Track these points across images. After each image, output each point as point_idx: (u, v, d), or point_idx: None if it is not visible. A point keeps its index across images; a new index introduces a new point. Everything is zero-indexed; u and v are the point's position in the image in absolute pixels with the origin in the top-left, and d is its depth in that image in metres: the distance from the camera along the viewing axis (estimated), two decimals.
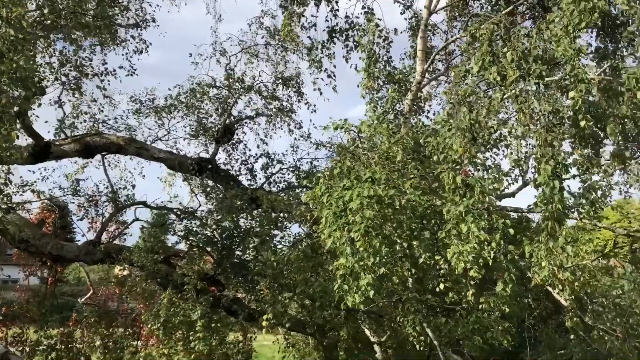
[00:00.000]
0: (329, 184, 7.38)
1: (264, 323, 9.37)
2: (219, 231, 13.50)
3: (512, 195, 12.60)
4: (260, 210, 12.09)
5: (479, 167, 6.85)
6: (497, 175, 6.92)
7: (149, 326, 11.98)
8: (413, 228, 7.24)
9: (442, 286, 8.38)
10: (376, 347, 17.58)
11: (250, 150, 15.38)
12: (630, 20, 7.38)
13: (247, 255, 13.89)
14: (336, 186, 7.26)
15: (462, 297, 8.49)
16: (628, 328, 8.54)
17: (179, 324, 12.00)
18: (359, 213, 6.58)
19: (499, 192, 12.61)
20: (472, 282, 7.40)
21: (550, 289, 7.55)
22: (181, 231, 13.91)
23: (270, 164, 14.60)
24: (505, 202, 12.60)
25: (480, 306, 8.28)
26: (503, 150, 10.97)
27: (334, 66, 11.31)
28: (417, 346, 8.78)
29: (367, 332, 17.37)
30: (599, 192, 9.77)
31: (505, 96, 7.38)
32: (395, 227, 7.37)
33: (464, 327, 8.79)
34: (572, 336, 9.68)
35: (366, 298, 6.65)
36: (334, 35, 11.22)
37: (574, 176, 7.92)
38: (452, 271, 7.00)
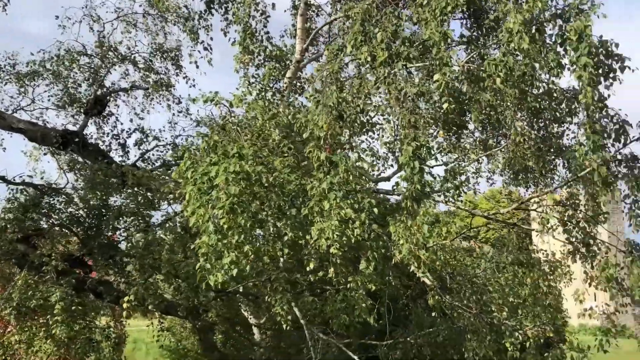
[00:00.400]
0: (195, 159, 7.05)
1: (124, 305, 8.86)
2: (85, 209, 12.66)
3: (388, 179, 12.97)
4: (130, 188, 11.43)
5: (345, 146, 6.85)
6: (361, 154, 6.95)
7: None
8: (281, 206, 7.12)
9: (312, 265, 8.39)
10: (255, 330, 17.52)
11: (122, 124, 14.53)
12: (493, 9, 7.71)
13: (119, 236, 13.19)
14: (202, 161, 6.96)
15: (333, 276, 8.58)
16: (482, 305, 9.08)
17: (35, 308, 11.10)
18: (223, 189, 6.34)
19: (374, 175, 12.94)
20: (337, 261, 7.46)
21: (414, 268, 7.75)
22: (43, 209, 12.86)
23: (144, 139, 13.88)
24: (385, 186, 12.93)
25: (348, 285, 8.39)
26: (379, 134, 11.25)
27: (211, 39, 10.91)
28: (284, 326, 8.73)
29: (246, 314, 17.26)
30: (463, 177, 10.28)
31: (378, 78, 7.46)
32: (264, 205, 7.22)
33: (332, 306, 8.86)
34: (434, 314, 10.11)
35: (230, 277, 6.42)
36: (211, 6, 10.78)
37: (436, 159, 8.17)
38: (319, 249, 6.97)
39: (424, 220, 6.54)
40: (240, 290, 14.39)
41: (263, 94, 9.81)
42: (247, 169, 6.50)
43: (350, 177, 6.55)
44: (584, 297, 9.13)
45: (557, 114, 10.85)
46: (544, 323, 8.22)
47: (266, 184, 6.80)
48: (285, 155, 7.95)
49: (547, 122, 10.86)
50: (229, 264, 6.21)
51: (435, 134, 8.98)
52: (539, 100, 10.07)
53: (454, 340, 13.18)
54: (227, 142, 7.09)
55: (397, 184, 6.78)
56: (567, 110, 10.74)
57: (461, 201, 10.85)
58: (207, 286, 6.45)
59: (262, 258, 8.58)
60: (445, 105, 6.64)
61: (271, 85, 10.31)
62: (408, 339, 14.48)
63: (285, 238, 7.12)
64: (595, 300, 12.12)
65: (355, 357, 8.90)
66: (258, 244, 7.73)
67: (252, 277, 9.16)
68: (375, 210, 7.18)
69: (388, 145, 9.80)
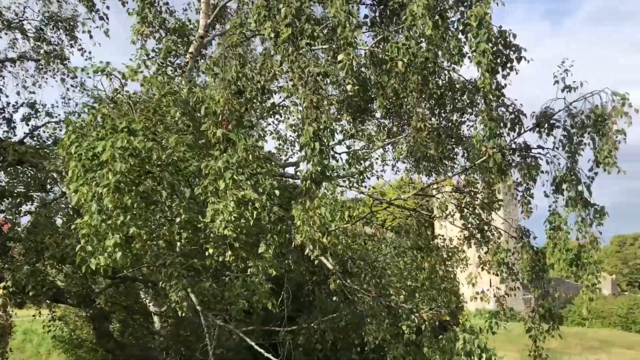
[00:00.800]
0: (80, 134, 6.48)
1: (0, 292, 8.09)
2: None
3: (296, 164, 12.80)
4: (11, 165, 10.46)
5: (245, 123, 6.55)
6: (263, 135, 6.68)
7: None
8: (175, 185, 6.70)
9: (211, 250, 8.04)
10: (155, 318, 16.85)
11: (8, 97, 13.32)
12: None
13: (5, 218, 12.14)
14: (88, 136, 6.41)
15: (230, 260, 8.32)
16: (380, 288, 9.15)
17: None
18: (109, 166, 5.86)
19: (282, 160, 12.71)
20: (237, 244, 7.18)
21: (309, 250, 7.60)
22: None
23: (34, 115, 12.80)
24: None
25: (249, 270, 8.13)
26: (285, 116, 11.02)
27: (107, 7, 10.17)
28: (180, 312, 8.33)
29: (146, 301, 16.54)
30: (367, 162, 10.28)
31: (283, 57, 7.20)
32: (160, 185, 6.79)
33: (231, 292, 8.57)
34: (335, 298, 10.08)
35: (114, 261, 5.95)
36: None
37: (340, 143, 8.06)
38: (217, 231, 6.63)
39: (323, 202, 6.40)
40: (139, 276, 13.76)
41: (163, 69, 9.26)
42: (136, 144, 6.04)
43: (250, 157, 6.26)
44: (476, 281, 9.44)
45: (459, 104, 11.13)
46: (439, 306, 8.40)
47: (158, 162, 6.37)
48: (184, 133, 7.53)
49: (449, 112, 11.13)
50: (112, 247, 5.75)
51: (339, 117, 8.87)
52: (442, 90, 10.27)
53: (355, 324, 13.29)
54: (116, 116, 6.57)
55: (297, 165, 6.57)
56: (468, 101, 11.04)
57: (365, 187, 10.90)
58: (88, 270, 5.93)
59: (158, 242, 8.14)
60: (349, 87, 6.51)
61: (172, 60, 9.76)
62: (312, 324, 14.51)
63: (178, 220, 6.71)
64: (490, 286, 12.65)
65: (253, 343, 8.67)
66: (151, 226, 7.30)
67: (147, 262, 8.66)
68: (277, 192, 6.97)
69: (294, 127, 9.60)
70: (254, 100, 6.79)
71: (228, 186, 5.95)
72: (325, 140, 6.57)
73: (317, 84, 6.60)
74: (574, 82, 8.16)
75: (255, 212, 6.44)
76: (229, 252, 6.76)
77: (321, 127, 6.44)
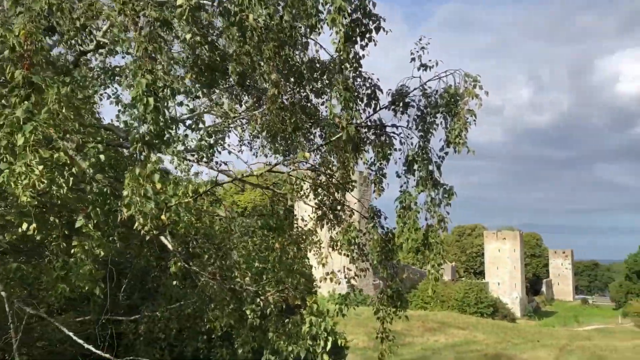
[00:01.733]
0: None
1: None
2: None
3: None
4: None
5: (60, 67, 5.42)
6: (79, 81, 5.60)
7: None
8: None
9: (25, 224, 6.74)
10: None
11: None
12: None
13: None
14: None
15: (52, 239, 7.11)
16: (225, 270, 8.45)
17: None
18: None
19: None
20: (51, 217, 6.04)
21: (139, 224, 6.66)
22: None
23: None
24: None
25: (72, 250, 6.97)
26: (125, 76, 9.81)
27: None
28: None
29: None
30: (219, 135, 9.48)
31: None
32: None
33: (49, 275, 7.30)
34: (175, 282, 9.20)
35: None
36: None
37: (182, 105, 7.19)
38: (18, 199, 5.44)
39: (156, 168, 5.52)
40: None
41: None
42: None
43: (64, 110, 5.16)
44: (327, 261, 9.14)
45: (318, 84, 10.76)
46: (287, 288, 7.91)
47: None
48: None
49: (306, 89, 10.69)
50: None
51: (181, 75, 7.95)
52: (301, 66, 9.82)
53: (202, 311, 12.47)
54: None
55: (125, 123, 5.62)
56: (327, 81, 10.69)
57: (217, 162, 10.11)
58: None
59: None
60: (188, 37, 5.67)
61: None
62: (156, 312, 13.43)
63: None
64: (342, 271, 12.52)
65: (71, 334, 7.50)
66: None
67: None
68: (102, 157, 5.96)
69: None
70: (73, 42, 5.68)
71: (28, 142, 4.78)
72: (163, 99, 5.68)
73: (155, 31, 5.67)
74: (429, 60, 8.07)
75: (71, 179, 5.38)
76: (34, 225, 5.60)
77: (158, 82, 5.54)
